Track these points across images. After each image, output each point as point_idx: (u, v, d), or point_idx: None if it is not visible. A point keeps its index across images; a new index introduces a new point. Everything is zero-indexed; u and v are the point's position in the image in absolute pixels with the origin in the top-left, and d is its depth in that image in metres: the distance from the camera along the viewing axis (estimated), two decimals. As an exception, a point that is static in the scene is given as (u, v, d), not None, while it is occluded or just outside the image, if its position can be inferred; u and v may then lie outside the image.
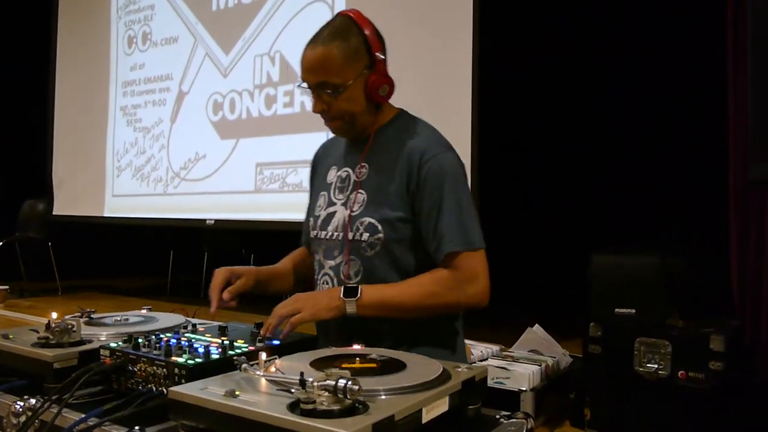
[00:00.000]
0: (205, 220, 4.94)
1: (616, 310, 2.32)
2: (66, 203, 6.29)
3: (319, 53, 1.38)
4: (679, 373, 2.19)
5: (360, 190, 1.45)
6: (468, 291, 1.37)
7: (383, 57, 1.44)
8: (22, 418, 1.00)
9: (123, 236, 6.62)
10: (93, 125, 6.12)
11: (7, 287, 5.60)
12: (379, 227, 1.40)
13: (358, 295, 1.31)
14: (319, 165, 1.65)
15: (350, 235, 1.43)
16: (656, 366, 2.23)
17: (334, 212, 1.50)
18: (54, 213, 6.26)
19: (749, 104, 1.29)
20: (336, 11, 1.64)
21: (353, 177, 1.48)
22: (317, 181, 1.62)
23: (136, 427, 0.91)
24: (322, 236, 1.51)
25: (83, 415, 0.95)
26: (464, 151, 3.69)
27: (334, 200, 1.51)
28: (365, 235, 1.41)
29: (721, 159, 2.69)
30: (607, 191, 4.64)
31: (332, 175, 1.55)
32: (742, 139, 2.49)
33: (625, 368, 2.29)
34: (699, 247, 2.68)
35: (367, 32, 1.41)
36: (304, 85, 1.44)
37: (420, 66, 3.94)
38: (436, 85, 3.87)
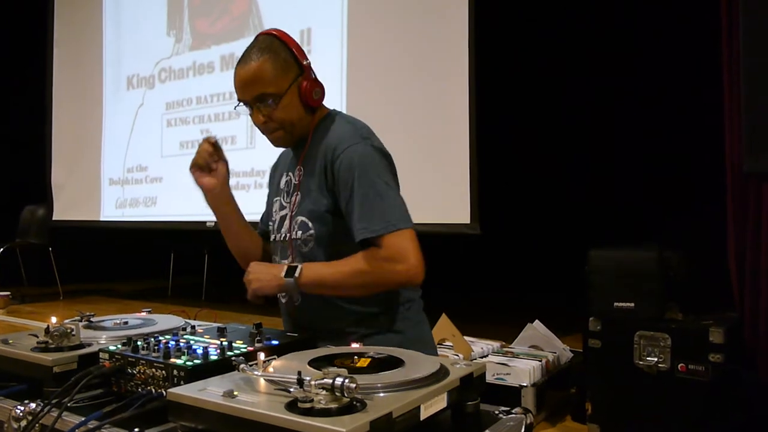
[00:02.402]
0: (205, 222, 4.94)
1: (615, 304, 2.32)
2: (65, 208, 6.29)
3: (253, 68, 1.47)
4: (679, 365, 2.19)
5: (297, 192, 1.56)
6: (395, 267, 1.40)
7: (309, 62, 1.54)
8: (23, 423, 1.00)
9: (124, 239, 6.63)
10: (89, 129, 6.12)
11: (8, 293, 5.61)
12: (310, 224, 1.51)
13: (297, 274, 1.42)
14: (275, 173, 1.76)
15: (290, 235, 1.54)
16: (656, 359, 2.23)
17: (285, 215, 1.59)
18: (54, 218, 6.27)
19: (742, 96, 1.30)
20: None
21: (294, 180, 1.59)
22: (273, 187, 1.73)
23: (136, 429, 0.91)
24: (278, 239, 1.61)
25: (83, 418, 0.95)
26: (462, 147, 3.70)
27: (284, 204, 1.62)
28: (299, 233, 1.52)
29: (718, 153, 2.70)
30: (605, 186, 4.64)
31: (283, 181, 1.65)
32: (737, 132, 2.49)
33: (625, 362, 2.29)
34: (697, 241, 2.68)
35: (291, 45, 1.52)
36: (241, 104, 1.53)
37: (417, 61, 3.95)
38: (433, 80, 3.87)
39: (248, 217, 1.73)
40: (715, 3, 2.63)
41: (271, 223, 1.66)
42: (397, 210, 1.43)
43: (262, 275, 1.47)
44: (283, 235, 1.58)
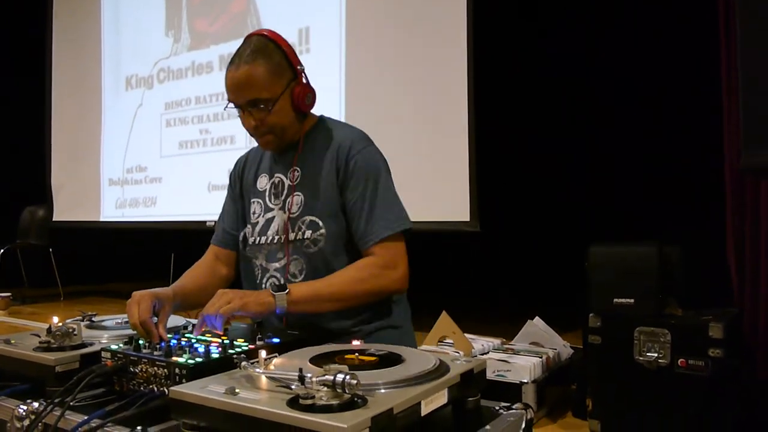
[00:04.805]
0: (205, 222, 4.94)
1: (615, 300, 2.33)
2: (65, 209, 6.30)
3: (245, 72, 1.43)
4: (679, 361, 2.20)
5: (296, 193, 1.52)
6: (390, 276, 1.45)
7: (302, 67, 1.51)
8: (26, 422, 1.01)
9: (124, 240, 6.63)
10: (88, 129, 6.13)
11: (9, 294, 5.61)
12: (320, 223, 1.49)
13: (288, 290, 1.35)
14: (244, 174, 1.69)
15: (291, 236, 1.50)
16: (656, 355, 2.24)
17: (273, 217, 1.56)
18: (54, 219, 6.27)
19: (739, 93, 1.30)
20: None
21: (287, 182, 1.55)
22: (245, 189, 1.67)
23: (139, 428, 0.92)
24: (263, 241, 1.56)
25: (86, 417, 0.96)
26: (462, 144, 3.70)
27: (271, 206, 1.58)
28: (308, 233, 1.49)
29: (717, 147, 2.70)
30: (604, 183, 4.64)
31: (264, 183, 1.62)
32: (736, 127, 2.50)
33: (625, 358, 2.29)
34: (696, 236, 2.69)
35: (284, 48, 1.48)
36: (232, 105, 1.48)
37: (416, 58, 3.95)
38: (433, 77, 3.87)
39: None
40: (714, 2, 2.64)
41: (249, 227, 1.61)
42: (397, 215, 1.50)
43: (243, 294, 1.31)
44: (272, 237, 1.55)
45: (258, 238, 1.58)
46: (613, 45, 4.54)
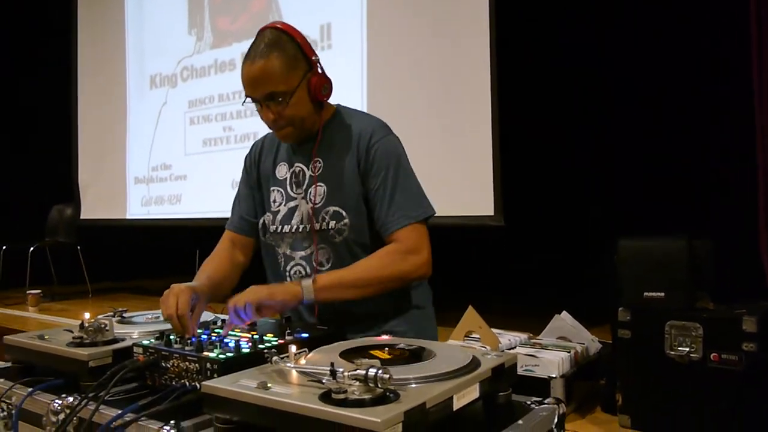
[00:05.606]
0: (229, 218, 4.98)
1: (645, 294, 2.29)
2: (92, 207, 6.39)
3: (261, 66, 1.45)
4: (712, 355, 2.16)
5: (318, 183, 1.54)
6: (414, 261, 1.47)
7: (317, 57, 1.52)
8: (61, 416, 1.02)
9: (150, 237, 6.71)
10: (114, 128, 6.20)
11: (39, 291, 5.71)
12: (344, 213, 1.51)
13: (314, 278, 1.38)
14: (261, 160, 1.70)
15: (317, 226, 1.52)
16: (688, 349, 2.20)
17: (296, 206, 1.58)
18: (81, 217, 6.37)
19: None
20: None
21: (308, 172, 1.57)
22: (263, 176, 1.68)
23: (172, 422, 0.92)
24: (286, 230, 1.58)
25: (120, 411, 0.97)
26: (486, 138, 3.68)
27: (293, 195, 1.59)
28: (332, 223, 1.51)
29: (748, 139, 2.64)
30: (633, 176, 4.58)
31: (283, 172, 1.63)
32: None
33: (655, 352, 2.26)
34: (728, 230, 2.63)
35: (298, 39, 1.49)
36: (249, 100, 1.50)
37: (438, 50, 3.93)
38: (455, 70, 3.85)
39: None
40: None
41: (269, 215, 1.63)
42: (418, 202, 1.53)
43: (270, 287, 1.36)
44: (296, 226, 1.56)
45: (280, 227, 1.59)
46: (641, 35, 4.47)
